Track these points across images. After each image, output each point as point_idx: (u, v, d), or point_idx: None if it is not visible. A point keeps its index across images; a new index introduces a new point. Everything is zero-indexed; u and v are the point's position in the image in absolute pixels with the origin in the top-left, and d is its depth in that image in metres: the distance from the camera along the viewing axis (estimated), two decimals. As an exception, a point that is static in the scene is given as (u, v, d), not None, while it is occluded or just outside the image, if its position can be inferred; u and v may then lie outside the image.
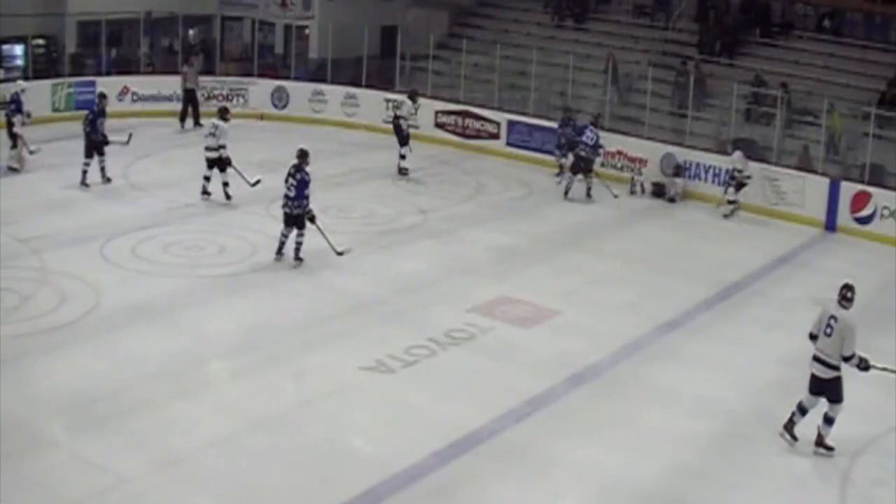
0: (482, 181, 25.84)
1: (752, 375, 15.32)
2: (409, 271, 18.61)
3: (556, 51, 31.08)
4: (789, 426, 13.19)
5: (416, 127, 27.99)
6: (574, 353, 15.42)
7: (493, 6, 36.04)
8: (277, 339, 15.13)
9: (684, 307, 17.86)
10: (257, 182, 21.41)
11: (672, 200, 25.36)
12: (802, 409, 13.09)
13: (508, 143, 28.75)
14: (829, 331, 12.89)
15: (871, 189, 23.83)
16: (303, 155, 18.37)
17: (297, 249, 18.26)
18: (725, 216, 24.38)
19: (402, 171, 25.67)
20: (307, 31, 33.55)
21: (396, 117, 26.45)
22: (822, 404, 13.04)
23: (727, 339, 16.77)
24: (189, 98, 29.41)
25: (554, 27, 34.17)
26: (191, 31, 31.99)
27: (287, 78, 32.02)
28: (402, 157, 25.75)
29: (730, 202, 24.49)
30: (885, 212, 23.43)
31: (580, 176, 24.73)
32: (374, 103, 30.87)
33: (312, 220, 18.20)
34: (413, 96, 26.74)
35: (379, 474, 11.68)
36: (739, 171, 24.35)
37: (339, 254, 18.44)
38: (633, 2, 34.14)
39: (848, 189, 24.06)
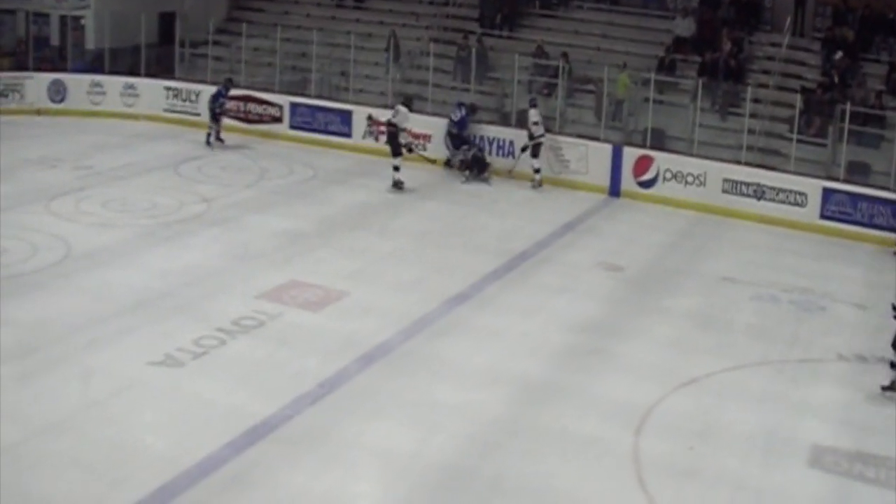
0: (265, 166, 25.66)
1: (541, 343, 15.62)
2: (195, 262, 18.31)
3: (337, 31, 31.09)
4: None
5: (419, 145, 26.33)
6: (364, 332, 15.45)
7: (272, -12, 35.76)
8: (60, 340, 14.66)
9: (472, 280, 18.09)
10: None
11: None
12: (893, 364, 14.23)
13: (291, 126, 28.63)
14: None
15: (652, 153, 24.57)
16: None
17: None
18: (535, 186, 24.83)
19: (397, 185, 24.13)
20: (83, 22, 32.50)
21: (391, 125, 24.53)
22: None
23: (515, 308, 17.04)
24: None
25: (334, 7, 34.13)
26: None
27: (64, 70, 31.02)
28: (396, 168, 24.14)
29: (536, 171, 24.94)
30: (668, 174, 24.17)
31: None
32: (154, 93, 30.28)
33: None
34: (408, 102, 25.13)
35: (172, 470, 11.48)
36: (535, 124, 24.75)
37: None
38: (414, -22, 34.32)
39: (630, 154, 24.77)
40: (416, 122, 26.26)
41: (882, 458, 12.60)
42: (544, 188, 24.69)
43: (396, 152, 24.27)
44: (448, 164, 26.22)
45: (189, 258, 18.52)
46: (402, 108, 24.54)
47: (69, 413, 12.71)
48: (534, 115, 25.02)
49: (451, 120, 26.19)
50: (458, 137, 26.06)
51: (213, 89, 28.04)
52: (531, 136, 24.96)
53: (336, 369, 14.20)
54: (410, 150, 24.93)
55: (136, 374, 13.78)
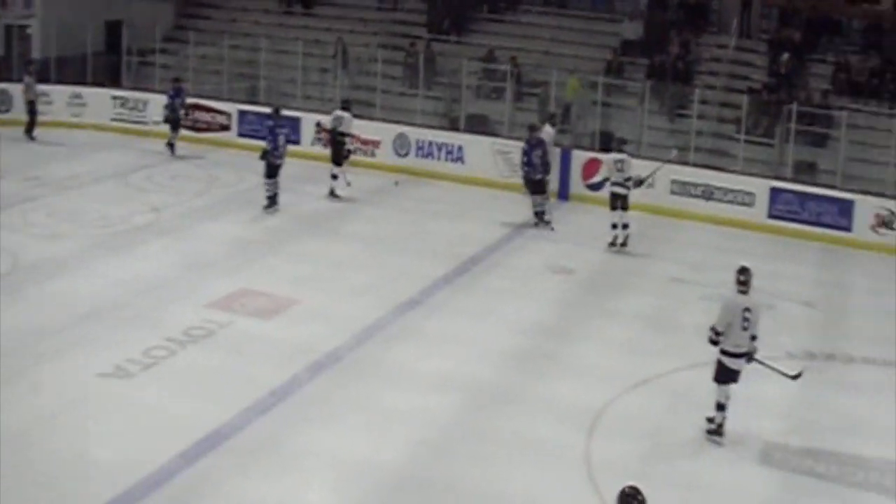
0: (215, 174, 25.61)
1: (491, 347, 15.61)
2: (145, 271, 18.16)
3: (286, 38, 31.09)
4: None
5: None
6: (315, 339, 15.39)
7: (219, -5, 35.64)
8: (8, 353, 14.39)
9: (423, 285, 18.08)
10: None
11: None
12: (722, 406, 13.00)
13: (240, 134, 28.61)
14: (746, 325, 12.77)
15: (601, 156, 24.57)
16: None
17: None
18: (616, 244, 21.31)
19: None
20: (29, 31, 32.25)
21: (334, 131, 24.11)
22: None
23: (466, 312, 17.05)
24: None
25: (282, 14, 34.12)
26: None
27: (10, 80, 30.65)
28: (334, 177, 23.79)
29: (624, 227, 21.26)
30: (617, 177, 24.23)
31: None
32: (101, 102, 30.12)
33: None
34: (347, 106, 24.61)
35: (123, 482, 11.35)
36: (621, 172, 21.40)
37: None
38: (362, -16, 34.35)
39: (579, 157, 24.85)
40: (365, 129, 26.27)
41: (831, 454, 12.75)
42: (495, 193, 24.74)
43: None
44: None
45: (139, 268, 18.36)
46: (344, 114, 24.30)
47: (18, 426, 12.52)
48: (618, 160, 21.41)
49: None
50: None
51: (160, 98, 27.88)
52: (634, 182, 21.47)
53: (287, 377, 14.13)
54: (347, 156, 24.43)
55: (86, 386, 13.64)
